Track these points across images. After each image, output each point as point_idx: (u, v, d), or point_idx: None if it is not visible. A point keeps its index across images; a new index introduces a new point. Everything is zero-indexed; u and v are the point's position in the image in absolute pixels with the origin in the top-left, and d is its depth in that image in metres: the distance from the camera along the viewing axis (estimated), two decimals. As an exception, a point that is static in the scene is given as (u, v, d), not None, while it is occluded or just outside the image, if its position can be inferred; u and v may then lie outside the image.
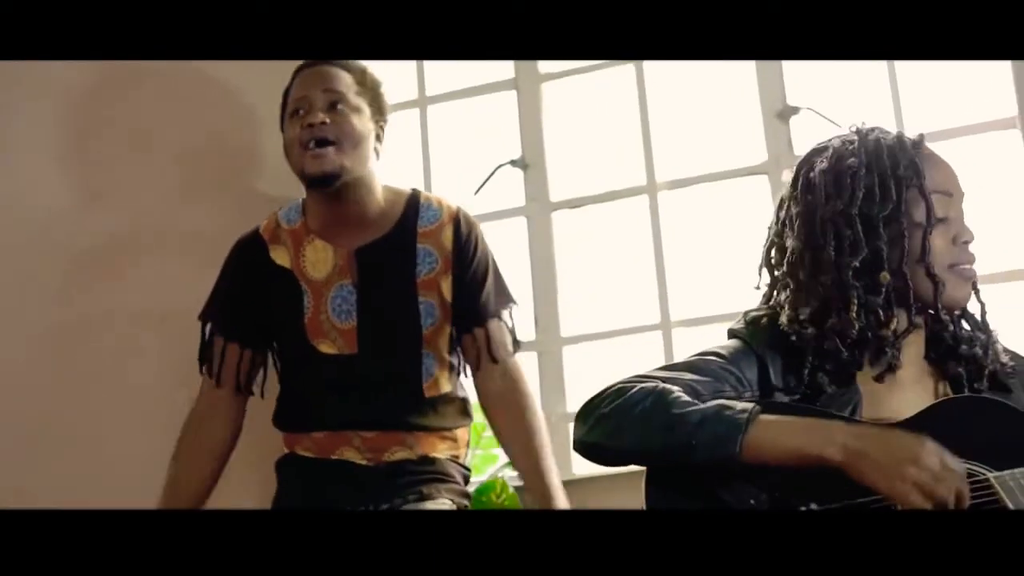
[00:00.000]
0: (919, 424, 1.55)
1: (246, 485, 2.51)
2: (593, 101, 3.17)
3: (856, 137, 1.71)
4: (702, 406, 1.52)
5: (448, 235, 2.33)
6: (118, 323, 3.04)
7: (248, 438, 2.43)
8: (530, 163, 3.06)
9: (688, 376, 1.61)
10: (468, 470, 2.42)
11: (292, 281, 2.33)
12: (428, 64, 3.19)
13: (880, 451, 1.43)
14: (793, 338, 1.65)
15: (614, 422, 1.56)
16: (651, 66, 3.02)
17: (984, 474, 1.50)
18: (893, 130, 1.72)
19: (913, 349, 1.68)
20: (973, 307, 1.71)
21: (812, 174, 1.70)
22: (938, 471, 1.42)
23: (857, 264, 1.62)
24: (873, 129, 1.72)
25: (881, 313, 1.62)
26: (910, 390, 1.66)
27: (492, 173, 3.08)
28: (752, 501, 1.49)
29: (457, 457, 2.37)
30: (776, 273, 1.77)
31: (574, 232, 3.06)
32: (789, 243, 1.71)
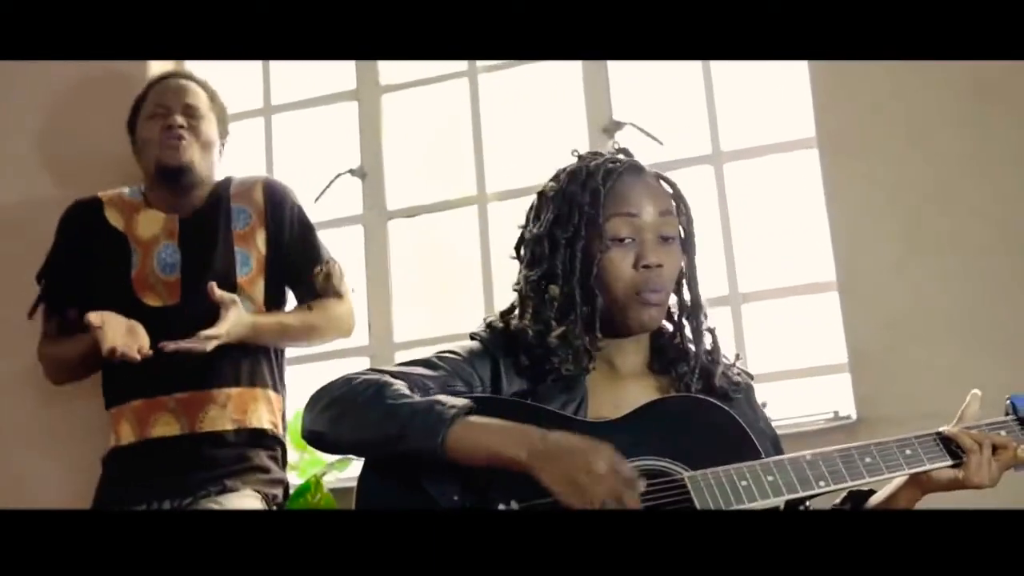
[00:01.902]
0: (630, 420, 1.64)
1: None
2: (430, 113, 3.25)
3: (574, 163, 1.80)
4: (417, 399, 1.59)
5: (259, 193, 2.57)
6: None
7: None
8: (368, 172, 3.13)
9: (420, 371, 1.68)
10: (283, 445, 2.53)
11: (122, 240, 2.52)
12: (274, 74, 3.25)
13: (559, 455, 1.50)
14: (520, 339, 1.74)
15: (336, 410, 1.63)
16: (485, 79, 3.10)
17: (680, 473, 1.59)
18: (620, 155, 1.81)
19: (634, 357, 1.78)
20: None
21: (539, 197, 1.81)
22: (601, 475, 1.48)
23: (535, 278, 1.74)
24: (596, 155, 1.80)
25: (553, 322, 1.71)
26: (633, 391, 1.74)
27: (332, 181, 3.15)
28: (456, 497, 1.56)
29: (275, 425, 2.49)
30: None
31: (408, 240, 3.14)
32: None
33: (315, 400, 1.66)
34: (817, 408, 2.72)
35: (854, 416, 2.63)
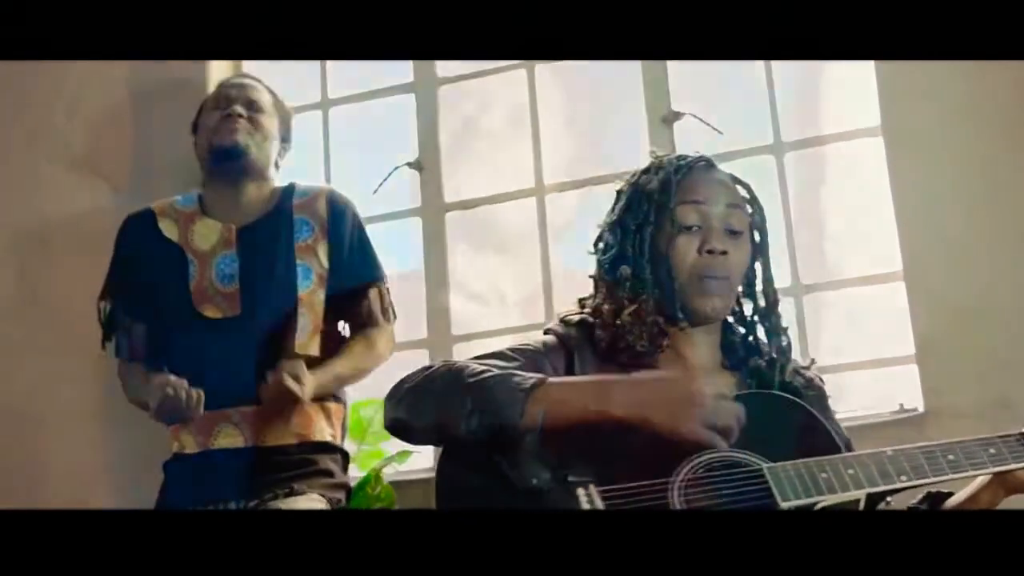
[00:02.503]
0: None
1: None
2: (487, 105, 3.24)
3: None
4: (492, 373, 1.60)
5: (322, 205, 2.53)
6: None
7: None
8: (425, 165, 3.13)
9: (495, 362, 1.69)
10: (346, 454, 2.52)
11: (179, 252, 2.49)
12: (331, 67, 3.26)
13: (658, 398, 1.52)
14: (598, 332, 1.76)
15: (415, 396, 1.66)
16: (542, 69, 3.09)
17: (759, 465, 1.58)
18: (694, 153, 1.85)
19: (704, 351, 1.79)
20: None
21: None
22: (714, 404, 1.52)
23: (607, 262, 1.79)
24: (671, 155, 1.85)
25: (625, 301, 1.75)
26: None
27: (389, 174, 3.15)
28: (534, 480, 1.55)
29: (335, 436, 2.48)
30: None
31: (466, 232, 3.14)
32: None
33: (395, 390, 1.69)
34: (882, 400, 2.69)
35: (921, 408, 2.61)
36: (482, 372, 1.61)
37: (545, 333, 1.82)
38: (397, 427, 1.69)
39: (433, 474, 1.99)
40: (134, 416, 2.50)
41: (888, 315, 2.72)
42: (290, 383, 2.27)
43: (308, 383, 2.31)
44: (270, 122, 2.55)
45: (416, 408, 1.65)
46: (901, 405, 2.66)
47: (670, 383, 1.56)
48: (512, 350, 1.75)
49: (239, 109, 2.50)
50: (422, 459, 2.93)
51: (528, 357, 1.73)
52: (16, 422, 3.04)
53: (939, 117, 2.65)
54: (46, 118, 3.18)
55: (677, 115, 2.96)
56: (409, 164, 3.14)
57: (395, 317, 2.57)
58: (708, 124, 2.92)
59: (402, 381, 1.69)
